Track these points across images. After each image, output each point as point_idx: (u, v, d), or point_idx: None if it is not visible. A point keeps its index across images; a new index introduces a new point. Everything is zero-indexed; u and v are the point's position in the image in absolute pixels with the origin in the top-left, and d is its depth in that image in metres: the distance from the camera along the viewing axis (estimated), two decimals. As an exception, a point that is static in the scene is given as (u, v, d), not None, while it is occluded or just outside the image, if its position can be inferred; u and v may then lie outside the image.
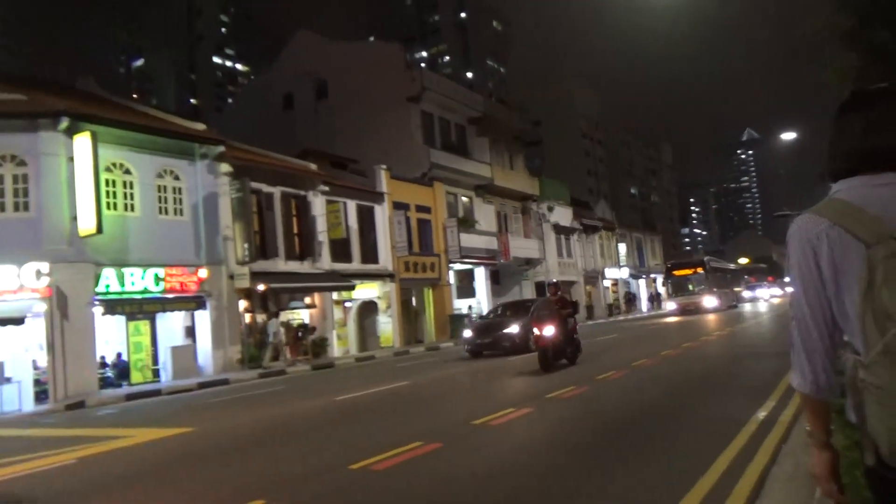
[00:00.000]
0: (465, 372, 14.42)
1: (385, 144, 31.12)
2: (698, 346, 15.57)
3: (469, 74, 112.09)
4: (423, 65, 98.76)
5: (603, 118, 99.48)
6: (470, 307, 33.79)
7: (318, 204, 24.58)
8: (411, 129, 31.92)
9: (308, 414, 9.87)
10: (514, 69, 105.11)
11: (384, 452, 5.92)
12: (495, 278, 36.12)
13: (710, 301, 34.58)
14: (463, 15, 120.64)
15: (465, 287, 34.41)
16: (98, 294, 17.38)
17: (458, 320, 29.91)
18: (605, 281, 49.03)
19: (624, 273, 51.94)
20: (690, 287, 36.12)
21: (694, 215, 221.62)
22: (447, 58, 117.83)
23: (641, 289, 56.51)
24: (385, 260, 27.53)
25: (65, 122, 16.96)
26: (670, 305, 37.10)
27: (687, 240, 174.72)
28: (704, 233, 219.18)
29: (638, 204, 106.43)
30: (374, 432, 7.51)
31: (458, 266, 32.48)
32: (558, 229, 41.58)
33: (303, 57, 35.70)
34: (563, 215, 42.54)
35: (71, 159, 17.01)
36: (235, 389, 15.58)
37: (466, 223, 32.58)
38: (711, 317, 29.57)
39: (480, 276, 34.06)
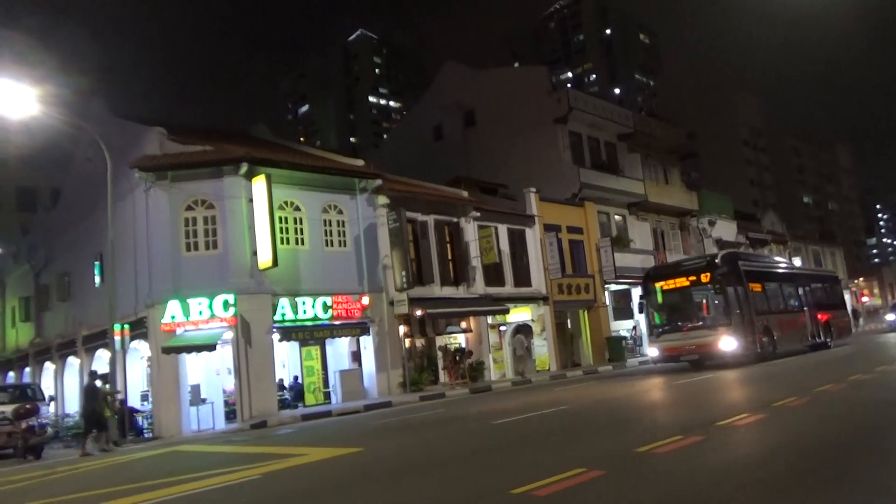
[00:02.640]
0: (623, 396, 13.91)
1: (534, 167, 31.22)
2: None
3: (617, 90, 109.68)
4: (569, 85, 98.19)
5: (766, 124, 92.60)
6: (634, 327, 32.63)
7: (470, 230, 25.12)
8: (560, 150, 31.77)
9: (468, 437, 10.02)
10: (664, 81, 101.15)
11: (546, 478, 5.86)
12: (654, 299, 34.56)
13: (728, 342, 18.12)
14: (608, 32, 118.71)
15: (623, 308, 33.28)
16: (275, 322, 18.96)
17: (615, 343, 29.01)
18: (778, 299, 45.08)
19: (800, 289, 47.52)
20: (692, 313, 19.71)
21: (882, 223, 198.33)
22: (593, 76, 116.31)
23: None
24: (538, 283, 27.42)
25: (244, 168, 18.86)
26: (652, 352, 20.30)
27: (875, 251, 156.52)
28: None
29: (812, 213, 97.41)
30: (535, 457, 7.46)
31: (613, 287, 31.55)
32: (721, 244, 39.04)
33: (450, 88, 36.94)
34: (726, 229, 39.96)
35: (250, 200, 18.85)
36: (398, 412, 16.21)
37: (621, 242, 31.66)
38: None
39: (638, 296, 32.74)
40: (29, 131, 24.04)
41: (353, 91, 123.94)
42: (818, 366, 16.76)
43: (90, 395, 15.37)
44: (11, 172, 37.30)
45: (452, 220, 24.73)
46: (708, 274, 18.96)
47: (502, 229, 26.49)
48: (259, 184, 18.75)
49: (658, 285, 20.45)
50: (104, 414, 15.41)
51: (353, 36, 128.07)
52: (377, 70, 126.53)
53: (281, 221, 19.68)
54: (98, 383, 15.69)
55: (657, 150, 37.28)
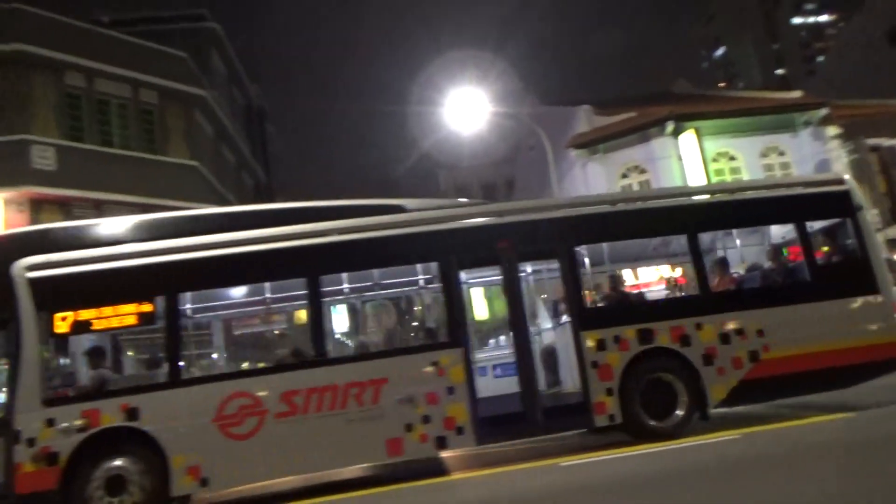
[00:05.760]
0: None
1: None
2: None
3: None
4: None
5: None
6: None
7: (961, 145, 20.04)
8: None
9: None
10: None
11: None
12: None
13: None
14: None
15: None
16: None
17: None
18: None
19: None
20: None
21: None
22: None
23: None
24: None
25: (670, 126, 18.77)
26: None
27: None
28: None
29: None
30: None
31: None
32: None
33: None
34: None
35: (680, 158, 18.66)
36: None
37: None
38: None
39: None
40: (482, 134, 28.40)
41: (772, 17, 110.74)
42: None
43: None
44: (475, 172, 45.08)
45: (934, 137, 20.10)
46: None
47: None
48: (687, 139, 18.42)
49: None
50: None
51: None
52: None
53: (716, 174, 18.94)
54: None
55: None
